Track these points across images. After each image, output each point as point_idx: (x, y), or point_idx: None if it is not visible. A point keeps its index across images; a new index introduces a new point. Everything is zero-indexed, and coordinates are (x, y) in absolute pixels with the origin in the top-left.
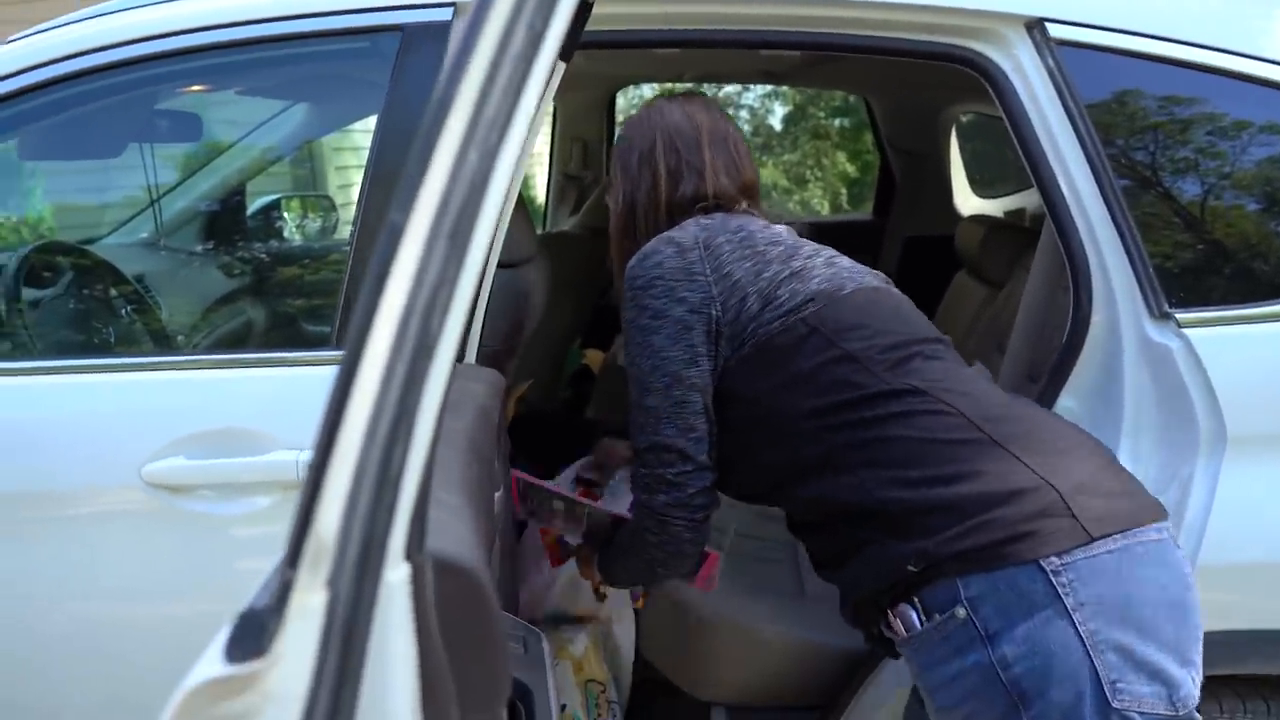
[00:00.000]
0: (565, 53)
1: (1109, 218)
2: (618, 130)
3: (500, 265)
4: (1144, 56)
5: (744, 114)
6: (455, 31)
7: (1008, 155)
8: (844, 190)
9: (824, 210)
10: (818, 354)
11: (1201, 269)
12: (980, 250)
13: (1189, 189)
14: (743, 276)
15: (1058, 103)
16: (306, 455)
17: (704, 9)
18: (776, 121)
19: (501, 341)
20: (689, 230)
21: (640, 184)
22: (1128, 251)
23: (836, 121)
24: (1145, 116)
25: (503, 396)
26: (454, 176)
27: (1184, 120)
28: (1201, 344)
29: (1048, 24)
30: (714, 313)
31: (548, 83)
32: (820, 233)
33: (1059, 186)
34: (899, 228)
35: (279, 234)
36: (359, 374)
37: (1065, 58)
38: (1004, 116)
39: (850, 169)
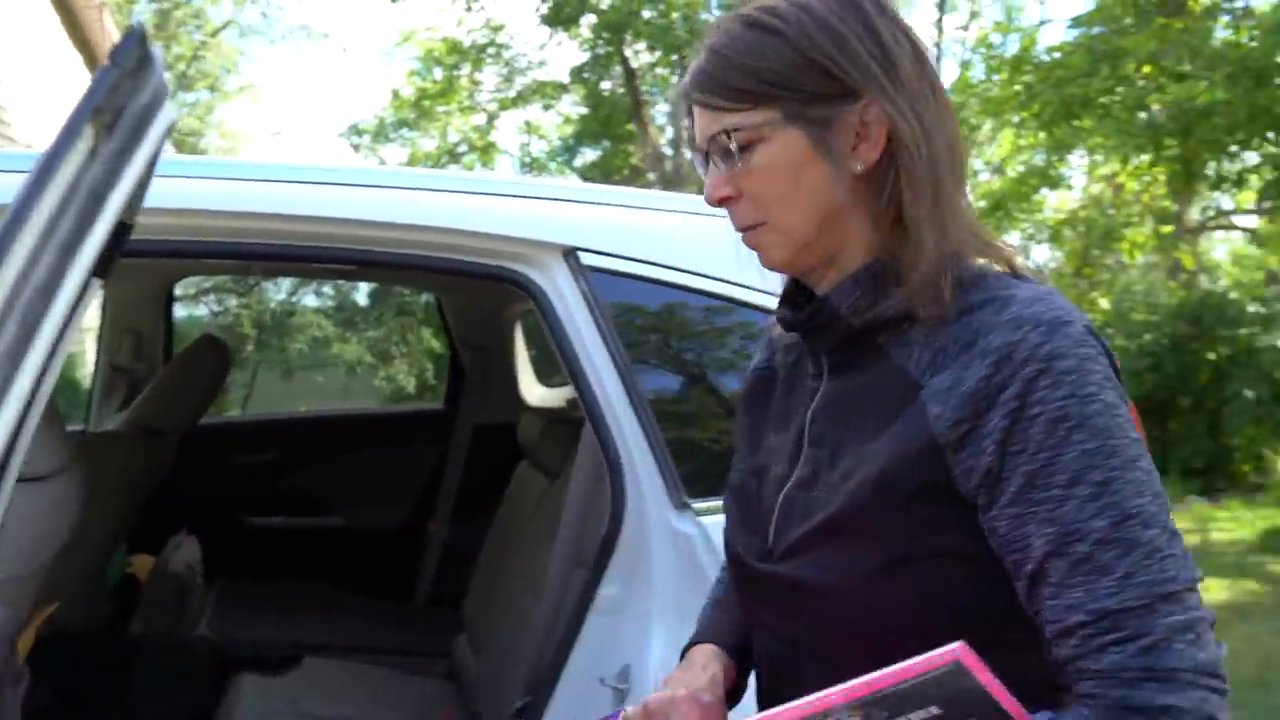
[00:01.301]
0: (101, 270)
1: (635, 418)
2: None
3: (22, 479)
4: (653, 281)
5: (328, 289)
6: None
7: None
8: (430, 366)
9: (410, 386)
10: None
11: (705, 462)
12: (539, 441)
13: (693, 393)
14: None
15: (589, 318)
16: None
17: (246, 224)
18: (362, 297)
19: (22, 565)
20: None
21: (926, 103)
22: (651, 448)
23: (422, 298)
24: (656, 330)
25: (14, 635)
26: None
27: (682, 332)
28: (715, 531)
29: (580, 252)
30: None
31: (73, 315)
32: (394, 421)
33: (592, 390)
34: (468, 417)
35: None
36: None
37: (595, 280)
38: (546, 328)
39: (436, 345)
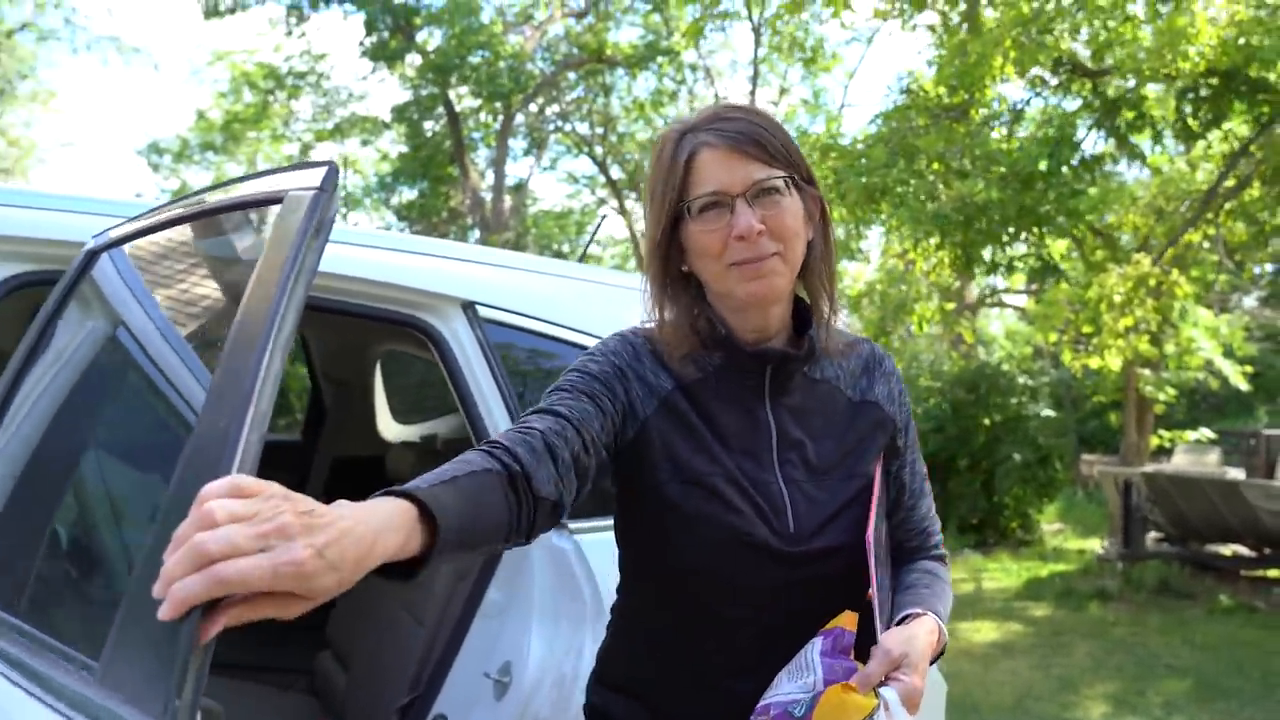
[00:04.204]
0: None
1: None
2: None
3: None
4: (540, 334)
5: None
6: None
7: (424, 389)
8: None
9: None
10: None
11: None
12: (412, 474)
13: None
14: None
15: (484, 362)
16: None
17: None
18: None
19: None
20: None
21: None
22: None
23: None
24: (541, 375)
25: None
26: None
27: (550, 370)
28: (587, 546)
29: (478, 306)
30: None
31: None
32: None
33: (484, 423)
34: (328, 449)
35: None
36: None
37: (489, 330)
38: (444, 370)
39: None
